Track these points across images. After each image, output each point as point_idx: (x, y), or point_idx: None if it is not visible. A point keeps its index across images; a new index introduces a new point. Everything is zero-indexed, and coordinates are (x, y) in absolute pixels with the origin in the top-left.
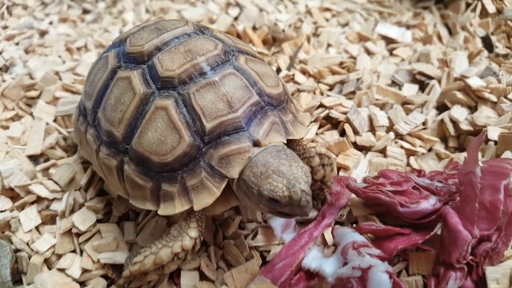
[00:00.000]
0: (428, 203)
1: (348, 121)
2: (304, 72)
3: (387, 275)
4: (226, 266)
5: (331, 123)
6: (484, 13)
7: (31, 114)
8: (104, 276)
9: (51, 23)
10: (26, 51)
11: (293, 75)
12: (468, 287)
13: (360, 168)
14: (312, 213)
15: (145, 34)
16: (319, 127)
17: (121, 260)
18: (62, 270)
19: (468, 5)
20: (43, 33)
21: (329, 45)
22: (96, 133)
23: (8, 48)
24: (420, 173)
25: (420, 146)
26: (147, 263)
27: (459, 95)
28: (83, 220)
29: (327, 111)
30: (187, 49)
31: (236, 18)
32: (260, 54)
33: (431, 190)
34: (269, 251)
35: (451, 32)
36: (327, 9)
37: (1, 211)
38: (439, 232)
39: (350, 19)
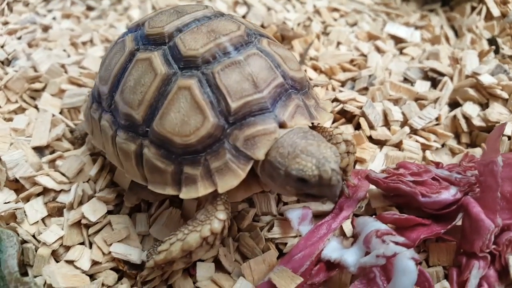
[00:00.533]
0: (449, 193)
1: (363, 115)
2: (315, 68)
3: (414, 262)
4: (242, 258)
5: (345, 117)
6: (489, 16)
7: (35, 106)
8: (115, 269)
9: (54, 18)
10: (30, 45)
11: (305, 71)
12: (491, 276)
13: (376, 162)
14: (329, 206)
15: (165, 17)
16: (333, 121)
17: (133, 255)
18: (70, 262)
19: (473, 8)
20: (46, 28)
21: (339, 43)
22: (112, 118)
23: (10, 42)
24: (438, 165)
25: (434, 141)
26: (174, 250)
27: (471, 91)
28: (93, 210)
29: (341, 105)
30: (209, 29)
31: (244, 17)
32: None
33: (451, 181)
34: (286, 244)
35: (457, 34)
36: (335, 9)
37: (5, 203)
38: (459, 223)
39: (359, 19)
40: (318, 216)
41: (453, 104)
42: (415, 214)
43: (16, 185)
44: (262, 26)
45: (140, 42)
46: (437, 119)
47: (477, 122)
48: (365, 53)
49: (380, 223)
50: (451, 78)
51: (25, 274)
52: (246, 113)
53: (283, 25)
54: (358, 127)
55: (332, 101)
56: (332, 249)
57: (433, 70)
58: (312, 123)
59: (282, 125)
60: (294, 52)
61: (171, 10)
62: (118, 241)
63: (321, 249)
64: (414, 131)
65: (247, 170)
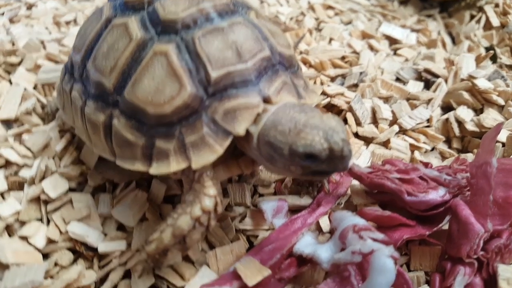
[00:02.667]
0: (437, 194)
1: (350, 110)
2: (305, 62)
3: (392, 261)
4: (209, 248)
5: (332, 111)
6: (488, 25)
7: (9, 80)
8: (72, 249)
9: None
10: (11, 21)
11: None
12: (477, 285)
13: (362, 159)
14: (306, 200)
15: None
16: None
17: (91, 236)
18: (24, 238)
19: (472, 16)
20: (30, 7)
21: (331, 39)
22: (83, 88)
23: None
24: (427, 165)
25: (424, 143)
26: (165, 237)
27: (466, 95)
28: (54, 186)
29: (329, 99)
30: None
31: None
32: None
33: (440, 181)
34: (257, 236)
35: (454, 41)
36: (330, 7)
37: None
38: (446, 227)
39: (354, 18)
40: (294, 210)
41: (446, 108)
42: (400, 214)
43: None
44: None
45: (118, 9)
46: (429, 120)
47: (470, 127)
48: (357, 50)
49: (359, 218)
50: (446, 80)
51: None
52: (228, 84)
53: (275, 18)
54: (345, 122)
55: (319, 95)
56: (306, 244)
57: (427, 71)
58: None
59: (266, 100)
60: None
61: None
62: (78, 220)
63: (293, 243)
64: (403, 131)
65: (225, 146)
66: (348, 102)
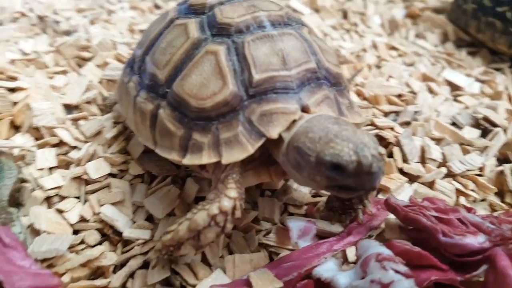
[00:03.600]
0: (476, 240)
1: (398, 144)
2: (359, 94)
3: None
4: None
5: (381, 145)
6: None
7: (78, 73)
8: (100, 231)
9: (122, 8)
10: (91, 22)
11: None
12: None
13: (403, 195)
14: (337, 228)
15: None
16: None
17: (120, 221)
18: (60, 211)
19: None
20: (110, 13)
21: (390, 77)
22: (139, 79)
23: (75, 17)
24: (470, 210)
25: (472, 190)
26: (181, 229)
27: None
28: (96, 168)
29: (377, 130)
30: (251, 4)
31: None
32: None
33: (481, 228)
34: (279, 254)
35: None
36: (394, 48)
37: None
38: (481, 278)
39: (417, 61)
40: (323, 237)
41: (503, 160)
42: (432, 255)
43: (37, 134)
44: None
45: (182, 12)
46: (481, 169)
47: None
48: (415, 90)
49: (385, 248)
50: (505, 131)
51: None
52: (269, 88)
53: (336, 51)
54: (390, 157)
55: (368, 125)
56: (326, 269)
57: (486, 119)
58: None
59: (305, 110)
60: None
61: None
62: (111, 204)
63: (314, 265)
64: (452, 175)
65: (257, 147)
66: (396, 137)
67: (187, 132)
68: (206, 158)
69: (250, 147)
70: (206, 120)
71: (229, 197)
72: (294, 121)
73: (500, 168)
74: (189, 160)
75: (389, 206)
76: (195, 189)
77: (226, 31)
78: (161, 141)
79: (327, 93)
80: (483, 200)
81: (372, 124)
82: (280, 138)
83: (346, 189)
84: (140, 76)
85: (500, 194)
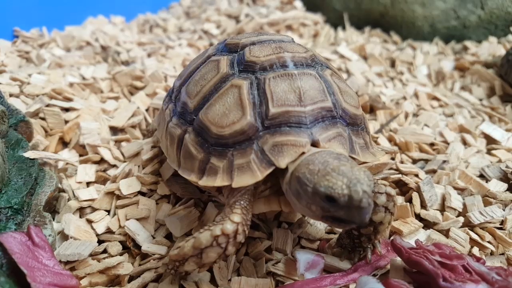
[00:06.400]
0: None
1: (418, 190)
2: (390, 139)
3: None
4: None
5: (401, 190)
6: None
7: (129, 100)
8: (123, 243)
9: (180, 44)
10: (149, 55)
11: (377, 137)
12: None
13: (415, 239)
14: (345, 265)
15: (247, 34)
16: None
17: (141, 236)
18: (90, 221)
19: None
20: (168, 48)
21: (425, 125)
22: (173, 107)
23: (136, 50)
24: (478, 259)
25: (489, 242)
26: (186, 246)
27: None
28: (128, 185)
29: (399, 175)
30: (278, 46)
31: None
32: None
33: (485, 277)
34: (284, 283)
35: None
36: (436, 98)
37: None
38: None
39: (456, 112)
40: (330, 272)
41: None
42: None
43: (82, 151)
44: (356, 93)
45: (219, 50)
46: (502, 223)
47: None
48: (448, 141)
49: (381, 285)
50: None
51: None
52: (283, 121)
53: (376, 97)
54: (409, 202)
55: (391, 169)
56: None
57: None
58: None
59: (315, 144)
60: (375, 122)
61: (256, 32)
62: (136, 219)
63: None
64: (471, 226)
65: (265, 174)
66: (417, 183)
67: (206, 156)
68: (220, 181)
69: (259, 174)
70: (223, 147)
71: (232, 221)
72: (302, 153)
73: None
74: (204, 181)
75: (394, 247)
76: (214, 213)
77: (252, 68)
78: (184, 163)
79: (341, 131)
80: (502, 254)
81: (396, 169)
82: (286, 168)
83: (339, 221)
84: (175, 104)
85: None
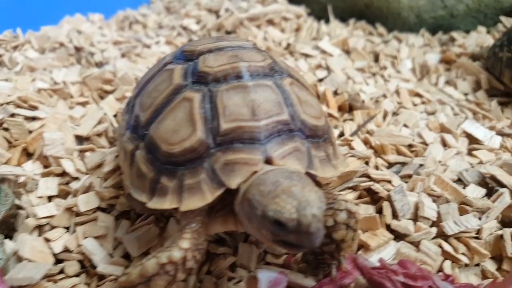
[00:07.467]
0: None
1: (389, 199)
2: (366, 142)
3: None
4: None
5: (373, 199)
6: None
7: (98, 105)
8: (82, 263)
9: (157, 42)
10: (123, 55)
11: (352, 141)
12: None
13: (384, 254)
14: (310, 282)
15: (205, 40)
16: (358, 198)
17: (97, 256)
18: (47, 240)
19: None
20: (145, 47)
21: (405, 126)
22: (128, 119)
23: (110, 49)
24: (447, 278)
25: (463, 254)
26: (133, 273)
27: None
28: (86, 202)
29: (371, 183)
30: (234, 54)
31: (320, 80)
32: (330, 116)
33: None
34: None
35: None
36: (418, 95)
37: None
38: None
39: (439, 110)
40: None
41: (508, 223)
42: None
43: (47, 162)
44: (336, 92)
45: (176, 57)
46: (478, 232)
47: None
48: (427, 142)
49: None
50: (511, 192)
51: (10, 237)
52: (235, 137)
53: (355, 96)
54: (379, 212)
55: (361, 176)
56: None
57: (493, 178)
58: (316, 179)
59: (268, 161)
60: (352, 122)
61: (214, 37)
62: (94, 237)
63: None
64: (444, 236)
65: (216, 195)
66: (389, 191)
67: (157, 175)
68: (168, 203)
69: (209, 195)
70: (174, 165)
71: (180, 248)
72: (255, 172)
73: (500, 232)
74: (153, 203)
75: (357, 266)
76: (176, 230)
77: (205, 79)
78: (136, 181)
79: (298, 145)
80: (477, 265)
81: (367, 175)
82: (238, 188)
83: (290, 245)
84: (130, 116)
85: (499, 260)
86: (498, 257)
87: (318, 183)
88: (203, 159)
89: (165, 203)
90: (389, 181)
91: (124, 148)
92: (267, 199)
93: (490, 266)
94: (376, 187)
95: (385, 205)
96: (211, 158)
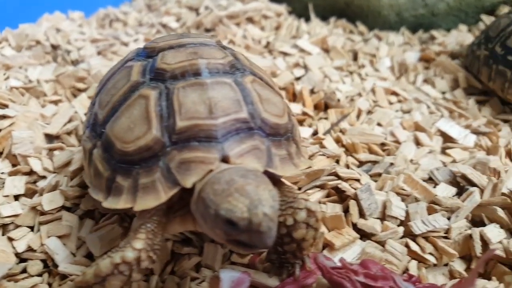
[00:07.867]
0: None
1: (355, 197)
2: (338, 141)
3: None
4: None
5: (340, 197)
6: None
7: (70, 103)
8: (45, 262)
9: (136, 40)
10: (99, 53)
11: (323, 139)
12: None
13: (348, 253)
14: (273, 282)
15: (168, 37)
16: (327, 196)
17: (60, 255)
18: (11, 239)
19: None
20: (122, 45)
21: (378, 124)
22: (88, 117)
23: (87, 47)
24: (410, 278)
25: (430, 254)
26: (88, 273)
27: (501, 213)
28: (50, 201)
29: (339, 181)
30: (194, 51)
31: (298, 78)
32: (305, 115)
33: None
34: None
35: None
36: (394, 93)
37: None
38: None
39: (414, 108)
40: None
41: (479, 222)
42: None
43: (15, 160)
44: (312, 91)
45: (138, 54)
46: (447, 232)
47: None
48: (400, 140)
49: None
50: (482, 191)
51: None
52: (192, 136)
53: (331, 94)
54: (346, 211)
55: (329, 175)
56: None
57: (464, 177)
58: (279, 177)
59: (225, 160)
60: (326, 121)
61: (179, 34)
62: (57, 237)
63: None
64: (412, 236)
65: (170, 195)
66: (356, 189)
67: (112, 174)
68: (123, 203)
69: (163, 195)
70: (129, 164)
71: (133, 248)
72: (211, 171)
73: (469, 231)
74: (109, 203)
75: (317, 265)
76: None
77: (162, 76)
78: (94, 180)
79: (257, 143)
80: (445, 265)
81: (335, 174)
82: (193, 187)
83: (243, 245)
84: (90, 114)
85: (469, 259)
86: (468, 257)
87: (280, 182)
88: (158, 157)
89: (120, 203)
90: (358, 180)
91: (84, 147)
92: (220, 198)
93: (458, 266)
94: (344, 185)
95: (352, 203)
96: (166, 157)
